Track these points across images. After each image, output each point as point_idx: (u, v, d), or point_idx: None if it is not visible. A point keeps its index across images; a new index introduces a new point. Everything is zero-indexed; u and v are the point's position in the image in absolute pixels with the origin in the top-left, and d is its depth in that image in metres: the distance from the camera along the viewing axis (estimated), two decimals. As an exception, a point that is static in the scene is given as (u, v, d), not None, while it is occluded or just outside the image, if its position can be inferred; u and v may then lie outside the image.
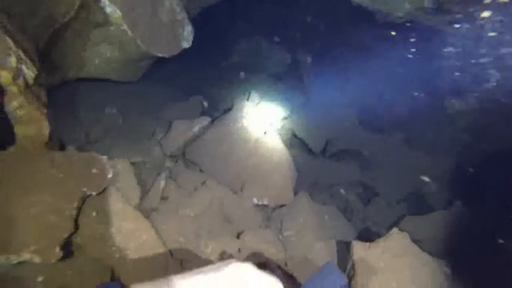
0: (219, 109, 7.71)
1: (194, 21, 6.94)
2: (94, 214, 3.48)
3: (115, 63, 5.58)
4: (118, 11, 4.75)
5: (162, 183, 4.68)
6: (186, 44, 6.05)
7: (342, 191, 6.64)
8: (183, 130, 5.46)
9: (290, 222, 4.71)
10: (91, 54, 5.32)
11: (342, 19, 8.20)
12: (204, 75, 8.55)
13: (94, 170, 3.63)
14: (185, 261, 3.93)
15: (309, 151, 7.12)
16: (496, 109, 6.69)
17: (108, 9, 4.71)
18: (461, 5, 6.24)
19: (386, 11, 6.69)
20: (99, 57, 5.38)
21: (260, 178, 4.92)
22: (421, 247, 5.39)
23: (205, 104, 7.15)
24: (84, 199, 3.48)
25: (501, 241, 5.34)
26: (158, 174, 5.06)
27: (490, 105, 6.85)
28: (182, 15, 6.03)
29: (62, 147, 4.18)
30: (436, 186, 6.74)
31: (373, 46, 7.84)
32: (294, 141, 7.25)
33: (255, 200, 4.80)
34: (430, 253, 5.11)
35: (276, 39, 9.60)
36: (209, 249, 4.09)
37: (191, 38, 6.12)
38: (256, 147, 4.97)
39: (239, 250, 4.27)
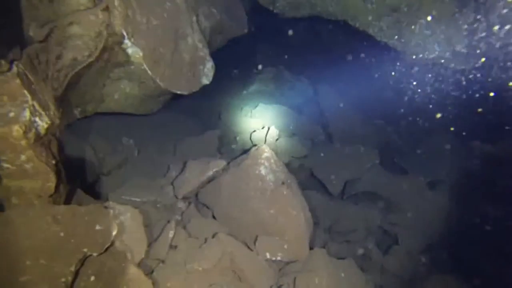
0: (237, 144, 7.40)
1: (218, 52, 6.69)
2: (92, 278, 3.14)
3: (134, 98, 5.33)
4: (140, 52, 4.50)
5: (171, 233, 4.32)
6: (206, 81, 5.76)
7: (360, 237, 6.15)
8: (198, 172, 5.12)
9: (303, 281, 4.25)
10: (110, 90, 5.09)
11: (367, 56, 7.79)
12: (224, 105, 8.27)
13: (98, 227, 3.31)
14: (188, 328, 3.54)
15: (327, 192, 6.67)
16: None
17: (130, 50, 4.47)
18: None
19: (415, 52, 6.26)
20: (118, 92, 5.15)
21: (275, 231, 4.50)
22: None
23: (222, 140, 6.82)
24: (83, 261, 3.15)
25: None
26: (169, 221, 4.71)
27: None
28: (204, 52, 5.75)
29: (70, 193, 3.88)
30: (462, 237, 6.14)
31: (400, 84, 7.39)
32: (312, 181, 6.83)
33: (268, 255, 4.38)
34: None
35: (299, 70, 9.26)
36: (216, 314, 3.69)
37: (211, 74, 5.83)
38: (272, 198, 4.56)
39: (248, 314, 3.86)
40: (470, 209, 6.38)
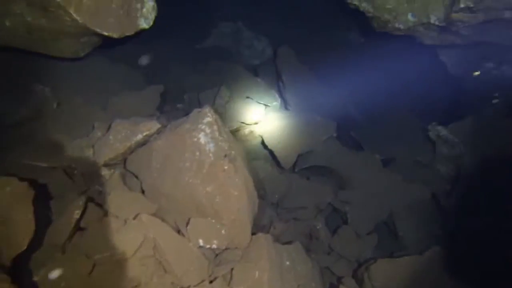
0: (184, 103, 6.21)
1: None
2: None
3: (41, 33, 3.87)
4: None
5: (77, 212, 3.20)
6: (144, 24, 4.42)
7: (309, 215, 5.41)
8: (124, 135, 3.95)
9: (242, 274, 3.40)
10: (-4, 11, 3.56)
11: (335, 21, 6.76)
12: (172, 57, 6.91)
13: None
14: None
15: (277, 164, 5.78)
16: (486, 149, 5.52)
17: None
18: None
19: (385, 20, 5.29)
20: (12, 19, 3.58)
21: (212, 213, 3.54)
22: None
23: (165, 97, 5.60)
24: None
25: None
26: (84, 192, 3.58)
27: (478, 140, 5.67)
28: (142, -14, 4.36)
29: None
30: (410, 220, 5.62)
31: (364, 54, 6.49)
32: (262, 151, 5.90)
33: (201, 242, 3.44)
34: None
35: (259, 28, 8.04)
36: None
37: (152, 17, 4.47)
38: (211, 172, 3.54)
39: (169, 317, 2.94)
40: (422, 191, 5.84)
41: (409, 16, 5.21)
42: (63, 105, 4.89)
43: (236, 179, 3.52)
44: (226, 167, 3.48)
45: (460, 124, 5.84)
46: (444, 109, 6.48)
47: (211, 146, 3.58)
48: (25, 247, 2.65)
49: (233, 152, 3.64)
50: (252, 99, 6.25)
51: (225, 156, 3.56)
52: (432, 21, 5.00)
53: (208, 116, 3.76)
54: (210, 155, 3.55)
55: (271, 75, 7.17)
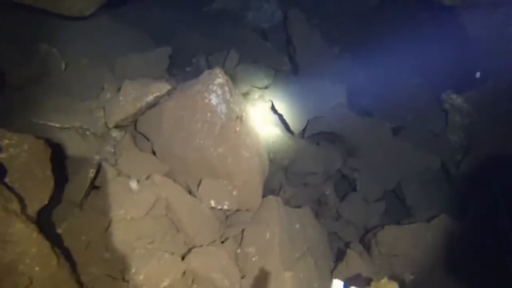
0: (192, 66, 6.13)
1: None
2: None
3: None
4: None
5: (92, 171, 3.26)
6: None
7: (318, 181, 5.47)
8: (134, 96, 3.94)
9: (253, 235, 3.50)
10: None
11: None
12: (180, 20, 6.74)
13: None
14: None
15: (287, 128, 5.78)
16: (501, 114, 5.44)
17: None
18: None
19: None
20: None
21: (223, 174, 3.59)
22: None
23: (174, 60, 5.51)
24: None
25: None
26: (97, 152, 3.63)
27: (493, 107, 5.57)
28: None
29: None
30: (419, 189, 5.67)
31: (378, 17, 6.25)
32: (271, 116, 5.86)
33: (212, 203, 3.51)
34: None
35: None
36: (141, 277, 2.84)
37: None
38: (222, 134, 3.56)
39: (184, 273, 3.06)
40: (432, 160, 5.84)
41: None
42: (71, 66, 4.85)
43: (248, 140, 3.53)
44: (238, 129, 3.49)
45: (477, 91, 5.72)
46: (461, 75, 6.30)
47: (222, 108, 3.57)
48: (46, 202, 2.73)
49: (244, 114, 3.63)
50: (261, 63, 6.16)
51: (237, 117, 3.56)
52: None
53: (219, 77, 3.72)
54: (222, 116, 3.55)
55: (281, 39, 7.00)
